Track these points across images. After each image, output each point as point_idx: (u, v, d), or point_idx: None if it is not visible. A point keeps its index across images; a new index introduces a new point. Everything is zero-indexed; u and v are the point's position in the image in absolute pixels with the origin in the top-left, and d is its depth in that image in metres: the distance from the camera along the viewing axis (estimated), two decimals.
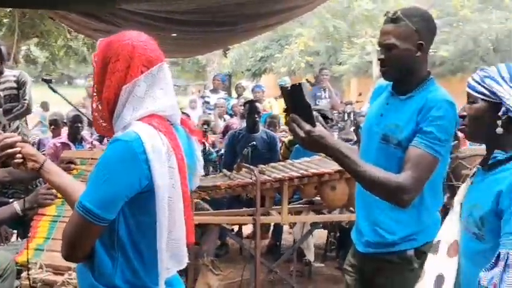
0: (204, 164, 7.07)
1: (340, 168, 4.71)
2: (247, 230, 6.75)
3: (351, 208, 4.97)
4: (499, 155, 2.06)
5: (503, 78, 2.02)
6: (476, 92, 2.06)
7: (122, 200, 1.87)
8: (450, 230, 2.24)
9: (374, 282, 2.66)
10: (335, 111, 11.18)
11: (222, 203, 5.90)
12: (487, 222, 2.00)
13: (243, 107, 7.61)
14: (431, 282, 2.23)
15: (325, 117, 6.55)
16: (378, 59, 2.65)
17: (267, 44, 19.16)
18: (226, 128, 8.37)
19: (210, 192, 4.66)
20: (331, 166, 4.86)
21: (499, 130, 2.01)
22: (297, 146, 6.42)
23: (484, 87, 2.04)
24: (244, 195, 5.59)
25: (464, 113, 2.12)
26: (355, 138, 6.59)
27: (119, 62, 1.96)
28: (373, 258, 2.65)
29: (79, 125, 6.52)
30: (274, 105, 10.46)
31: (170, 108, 2.02)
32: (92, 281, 1.96)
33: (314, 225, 5.50)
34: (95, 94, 2.04)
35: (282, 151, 6.94)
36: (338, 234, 6.44)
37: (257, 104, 7.13)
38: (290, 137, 7.75)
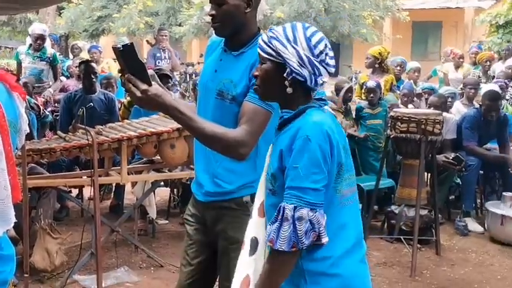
0: (41, 127, 6.83)
1: (179, 126, 4.79)
2: (88, 192, 6.63)
3: (192, 166, 5.06)
4: (286, 114, 2.13)
5: (287, 39, 2.06)
6: (264, 52, 2.09)
7: None
8: (259, 193, 2.30)
9: (214, 229, 2.73)
10: (176, 72, 11.17)
11: (60, 166, 5.76)
12: (277, 178, 2.08)
13: (78, 68, 7.36)
14: (247, 248, 2.27)
15: (167, 77, 6.52)
16: (209, 15, 2.67)
17: (104, 3, 18.53)
18: (62, 90, 8.11)
19: (45, 155, 4.53)
20: (169, 125, 4.89)
21: (289, 90, 2.08)
22: (136, 106, 6.36)
23: (270, 47, 2.07)
24: (83, 158, 5.47)
25: (257, 73, 2.16)
26: None
27: None
28: (213, 206, 2.70)
29: None
30: (112, 66, 10.19)
31: None
32: None
33: (155, 184, 5.53)
34: None
35: (121, 112, 6.85)
36: (181, 192, 6.53)
37: (93, 64, 6.94)
38: (129, 98, 7.67)
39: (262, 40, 2.11)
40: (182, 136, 4.86)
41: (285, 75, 2.05)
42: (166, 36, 10.23)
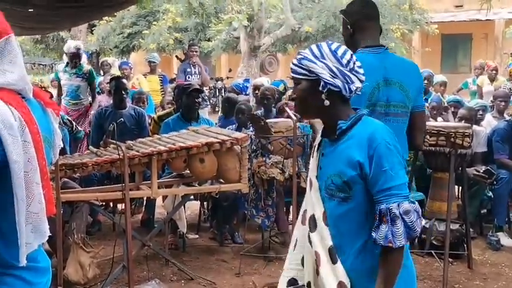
0: (73, 142, 6.90)
1: (208, 141, 4.83)
2: (120, 206, 6.69)
3: (221, 179, 5.09)
4: (342, 124, 2.25)
5: (315, 56, 2.23)
6: (297, 74, 2.26)
7: None
8: (308, 203, 2.44)
9: None
10: (205, 87, 11.24)
11: (92, 180, 5.82)
12: (353, 184, 2.21)
13: (109, 84, 7.46)
14: (327, 255, 2.33)
15: (197, 91, 6.56)
16: None
17: (134, 20, 18.80)
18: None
19: (77, 169, 4.58)
20: (199, 139, 4.93)
21: (326, 102, 2.22)
22: (165, 121, 6.43)
23: (302, 67, 2.24)
24: (115, 172, 5.54)
25: (294, 95, 2.33)
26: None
27: None
28: None
29: None
30: (142, 82, 10.33)
31: (21, 82, 1.96)
32: None
33: (185, 198, 5.57)
34: None
35: (151, 127, 6.93)
36: (210, 205, 6.56)
37: (124, 81, 7.04)
38: (160, 112, 7.74)
39: (293, 64, 2.26)
40: (211, 151, 4.89)
41: (320, 88, 2.19)
42: (196, 51, 10.32)
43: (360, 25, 3.20)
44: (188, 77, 9.62)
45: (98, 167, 4.66)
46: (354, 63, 2.24)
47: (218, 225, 6.28)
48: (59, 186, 4.28)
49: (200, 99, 6.58)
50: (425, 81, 8.38)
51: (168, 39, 17.19)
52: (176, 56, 19.14)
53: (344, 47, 2.27)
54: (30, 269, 1.98)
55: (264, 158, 5.61)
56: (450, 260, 5.25)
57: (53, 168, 4.06)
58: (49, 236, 2.05)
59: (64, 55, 8.60)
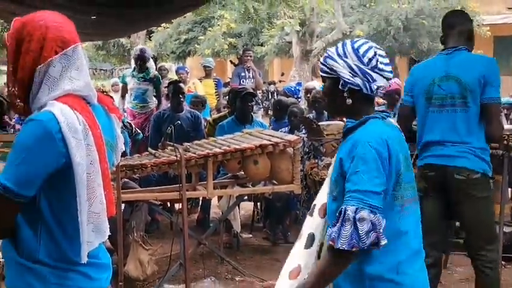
0: (132, 144, 7.01)
1: (262, 143, 4.84)
2: (177, 206, 6.76)
3: (274, 181, 5.09)
4: (349, 123, 2.20)
5: (338, 55, 2.17)
6: (323, 72, 2.22)
7: (40, 178, 1.88)
8: (322, 194, 2.39)
9: None
10: (258, 91, 11.25)
11: (151, 180, 5.90)
12: (338, 184, 2.14)
13: (167, 88, 7.54)
14: (303, 241, 2.37)
15: (251, 95, 6.58)
16: None
17: (190, 27, 18.99)
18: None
19: (137, 170, 4.65)
20: (253, 141, 4.94)
21: (348, 101, 2.16)
22: (220, 123, 6.48)
23: (326, 66, 2.19)
24: (172, 173, 5.61)
25: (322, 93, 2.34)
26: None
27: (32, 42, 1.94)
28: None
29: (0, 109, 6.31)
30: (198, 86, 10.41)
31: (86, 88, 2.01)
32: (16, 258, 1.96)
33: (239, 198, 5.59)
34: (10, 74, 2.00)
35: (207, 129, 6.98)
36: (264, 206, 6.56)
37: (181, 85, 7.11)
38: (215, 115, 7.80)
39: (321, 62, 2.23)
40: (265, 153, 4.89)
41: (340, 87, 2.14)
42: (250, 56, 10.30)
43: (446, 33, 3.81)
44: (242, 81, 9.63)
45: (157, 168, 4.73)
46: (377, 61, 2.15)
47: (271, 225, 6.28)
48: (120, 187, 4.35)
49: (253, 103, 6.60)
50: None
51: (223, 45, 17.30)
52: (231, 61, 19.23)
53: (368, 45, 2.18)
54: (92, 266, 2.01)
55: (316, 160, 5.58)
56: (503, 262, 5.09)
57: (114, 169, 4.14)
58: (110, 235, 2.09)
59: (132, 60, 8.68)
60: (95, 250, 2.02)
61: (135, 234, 4.94)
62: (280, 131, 5.91)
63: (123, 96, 8.48)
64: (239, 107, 6.40)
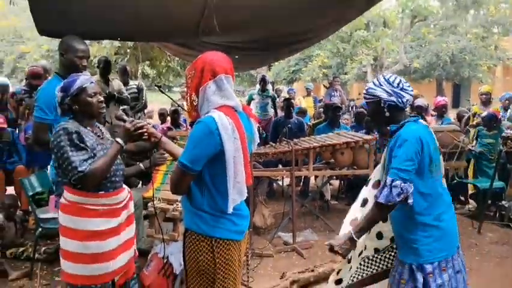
0: (259, 140, 7.08)
1: (346, 140, 4.74)
2: (287, 181, 6.80)
3: (354, 166, 4.98)
4: (393, 127, 2.23)
5: (376, 85, 2.23)
6: (367, 98, 2.26)
7: (205, 158, 1.93)
8: (377, 172, 2.49)
9: None
10: (343, 105, 11.05)
11: (270, 163, 5.97)
12: (388, 165, 2.18)
13: (282, 103, 7.59)
14: (359, 202, 2.53)
15: (338, 108, 6.48)
16: None
17: (296, 62, 18.99)
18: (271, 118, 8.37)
19: (262, 157, 4.74)
20: (341, 139, 4.86)
21: (387, 114, 2.21)
22: (318, 127, 6.42)
23: (369, 94, 2.24)
24: (284, 159, 5.63)
25: (367, 113, 2.39)
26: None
27: (196, 72, 2.01)
28: None
29: (177, 115, 6.66)
30: (302, 101, 10.42)
31: (234, 101, 2.04)
32: (189, 207, 2.04)
33: (330, 177, 5.52)
34: (187, 94, 2.08)
35: (308, 131, 6.93)
36: (347, 183, 6.43)
37: (291, 101, 7.13)
38: (314, 121, 7.74)
39: (364, 92, 2.27)
40: (349, 147, 4.80)
41: (382, 105, 2.20)
42: (338, 82, 10.19)
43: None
44: (332, 99, 9.50)
45: (275, 155, 4.78)
46: (402, 84, 2.21)
47: (351, 195, 6.14)
48: (252, 167, 4.43)
49: (340, 113, 6.48)
50: (506, 101, 7.50)
51: (318, 74, 17.17)
52: (323, 85, 19.02)
53: (393, 76, 2.25)
54: (237, 215, 2.05)
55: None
56: None
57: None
58: (247, 196, 2.13)
59: (258, 84, 8.78)
60: (239, 205, 2.05)
61: (260, 197, 5.02)
62: (360, 133, 5.76)
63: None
64: (330, 116, 6.30)
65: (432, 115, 6.76)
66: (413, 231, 2.15)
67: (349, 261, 2.58)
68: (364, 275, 2.52)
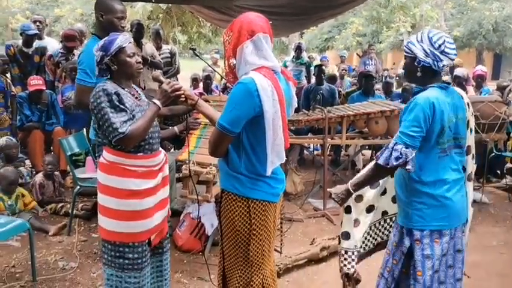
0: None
1: (381, 109, 4.66)
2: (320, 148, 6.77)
3: (388, 136, 4.90)
4: (416, 89, 2.11)
5: (417, 40, 2.07)
6: (405, 52, 2.12)
7: (244, 120, 1.92)
8: None
9: None
10: (377, 74, 10.82)
11: (303, 131, 5.94)
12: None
13: (314, 70, 7.46)
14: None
15: (371, 77, 6.34)
16: None
17: (329, 29, 18.59)
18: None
19: (295, 124, 4.71)
20: (375, 108, 4.78)
21: (418, 74, 2.07)
22: (351, 95, 6.32)
23: (408, 48, 2.09)
24: (317, 127, 5.60)
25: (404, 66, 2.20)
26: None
27: (234, 33, 1.98)
28: None
29: (209, 81, 6.65)
30: (334, 69, 10.21)
31: (273, 63, 2.01)
32: (227, 169, 2.06)
33: (363, 147, 5.46)
34: (225, 58, 2.04)
35: (341, 99, 6.83)
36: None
37: (323, 67, 7.00)
38: (348, 90, 7.61)
39: (404, 46, 2.15)
40: (383, 116, 4.72)
41: (415, 63, 2.06)
42: (373, 50, 10.02)
43: None
44: (366, 67, 9.29)
45: (308, 123, 4.76)
46: (445, 46, 2.01)
47: None
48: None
49: (374, 82, 6.34)
50: None
51: (352, 42, 16.79)
52: (357, 53, 18.58)
53: (440, 34, 2.05)
54: (273, 179, 2.06)
55: None
56: None
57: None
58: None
59: (292, 51, 8.64)
60: (276, 169, 2.06)
61: (291, 164, 5.03)
62: (395, 101, 5.65)
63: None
64: (364, 84, 6.18)
65: (472, 85, 6.54)
66: (407, 195, 2.11)
67: (349, 212, 2.50)
68: (375, 242, 2.55)
